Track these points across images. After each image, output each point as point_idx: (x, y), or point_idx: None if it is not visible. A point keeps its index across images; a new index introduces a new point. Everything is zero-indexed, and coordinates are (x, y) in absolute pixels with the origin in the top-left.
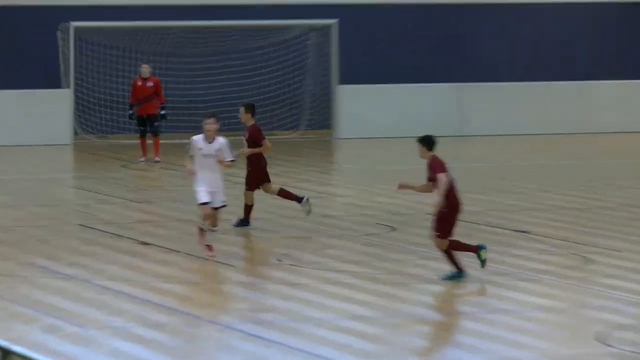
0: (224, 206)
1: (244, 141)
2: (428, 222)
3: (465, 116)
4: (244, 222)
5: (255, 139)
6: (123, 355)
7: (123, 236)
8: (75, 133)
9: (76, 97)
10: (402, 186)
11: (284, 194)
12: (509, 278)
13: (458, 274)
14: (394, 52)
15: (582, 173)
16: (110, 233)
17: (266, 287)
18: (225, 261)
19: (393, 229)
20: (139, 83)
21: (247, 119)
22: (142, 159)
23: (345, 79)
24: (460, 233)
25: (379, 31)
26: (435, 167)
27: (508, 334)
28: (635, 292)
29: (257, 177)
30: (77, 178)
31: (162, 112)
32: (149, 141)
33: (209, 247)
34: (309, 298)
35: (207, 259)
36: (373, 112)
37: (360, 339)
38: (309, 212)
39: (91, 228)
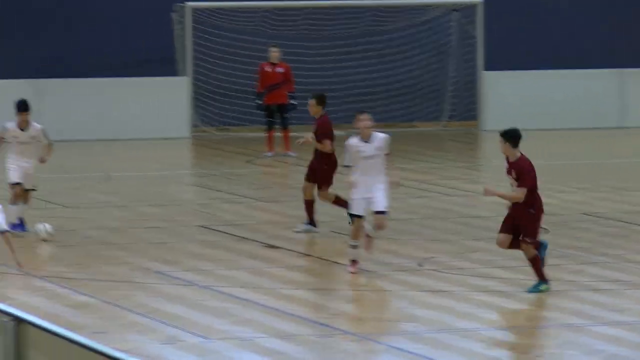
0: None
1: (312, 136)
2: (584, 223)
3: (626, 105)
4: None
5: (324, 133)
6: None
7: (248, 239)
8: (194, 125)
9: (195, 85)
10: (488, 192)
11: (339, 202)
12: None
13: (542, 284)
14: (545, 34)
15: None
16: (234, 235)
17: (406, 294)
18: (361, 267)
19: (546, 230)
20: (268, 69)
21: (317, 111)
22: (269, 153)
23: (492, 65)
24: (618, 234)
25: (530, 10)
26: (524, 167)
27: None
28: None
29: (331, 175)
30: (196, 175)
31: (293, 101)
32: (278, 134)
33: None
34: (454, 307)
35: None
36: (522, 101)
37: (512, 351)
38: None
39: (212, 230)
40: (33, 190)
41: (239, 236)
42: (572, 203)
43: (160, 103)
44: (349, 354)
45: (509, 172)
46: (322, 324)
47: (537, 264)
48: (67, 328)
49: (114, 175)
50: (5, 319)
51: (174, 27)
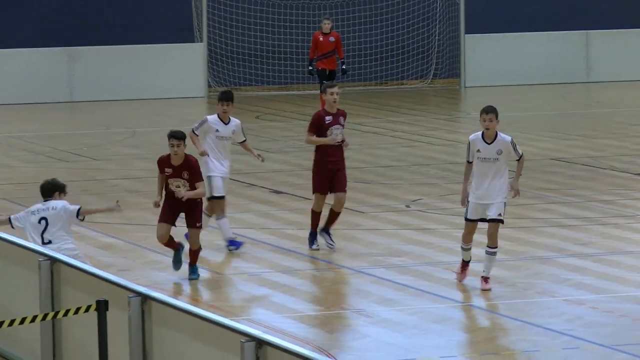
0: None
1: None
2: (554, 168)
3: (591, 63)
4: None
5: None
6: (260, 300)
7: (256, 185)
8: (209, 86)
9: (209, 50)
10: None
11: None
12: (631, 220)
13: None
14: (521, 2)
15: None
16: (243, 182)
17: (396, 232)
18: (354, 208)
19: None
20: (321, 38)
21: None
22: None
23: (472, 28)
24: (584, 177)
25: None
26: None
27: (629, 274)
28: None
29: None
30: None
31: (344, 67)
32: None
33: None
34: (439, 243)
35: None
36: (500, 60)
37: (495, 284)
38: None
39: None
40: None
41: (247, 183)
42: (544, 150)
43: (179, 67)
44: (344, 284)
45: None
46: (321, 260)
47: None
48: (96, 266)
49: (136, 131)
50: (41, 258)
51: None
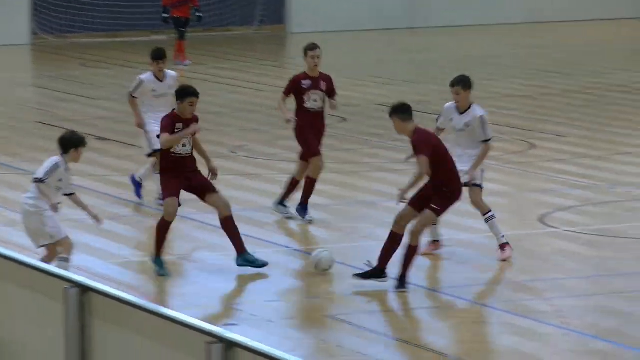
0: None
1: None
2: (379, 113)
3: (413, 8)
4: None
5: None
6: (85, 247)
7: (82, 132)
8: (34, 33)
9: None
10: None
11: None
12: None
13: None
14: None
15: (530, 62)
16: (69, 130)
17: (222, 178)
18: None
19: (344, 119)
20: None
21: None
22: (188, 62)
23: None
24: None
25: None
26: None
27: (458, 218)
28: (578, 175)
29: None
30: (35, 77)
31: (199, 14)
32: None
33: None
34: (264, 188)
35: None
36: (325, 6)
37: (314, 226)
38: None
39: (51, 125)
40: None
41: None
42: (369, 95)
43: (2, 13)
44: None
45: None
46: (146, 206)
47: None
48: None
49: None
50: None
51: None
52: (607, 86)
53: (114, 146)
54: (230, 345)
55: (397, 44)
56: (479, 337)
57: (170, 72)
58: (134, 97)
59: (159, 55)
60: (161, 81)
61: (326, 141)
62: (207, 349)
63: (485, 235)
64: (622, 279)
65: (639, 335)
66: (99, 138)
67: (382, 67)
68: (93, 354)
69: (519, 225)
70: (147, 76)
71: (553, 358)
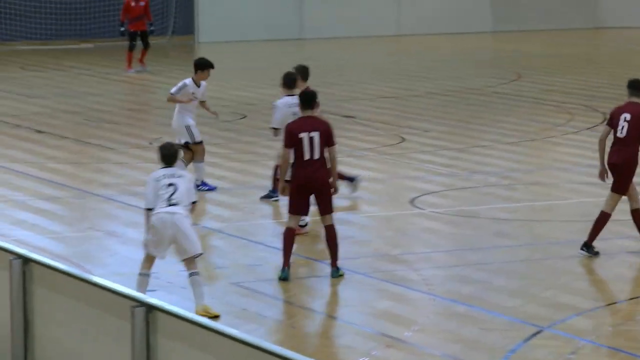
0: None
1: None
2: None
3: (303, 19)
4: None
5: None
6: (24, 223)
7: (21, 126)
8: None
9: None
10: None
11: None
12: (340, 155)
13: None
14: None
15: (399, 68)
16: (9, 123)
17: (142, 165)
18: (104, 144)
19: (244, 116)
20: (132, 4)
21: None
22: (131, 70)
23: None
24: None
25: None
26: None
27: (341, 200)
28: (442, 165)
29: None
30: None
31: (152, 28)
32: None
33: None
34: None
35: None
36: (229, 17)
37: (220, 206)
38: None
39: None
40: None
41: (13, 124)
42: (264, 95)
43: None
44: (97, 210)
45: None
46: (78, 189)
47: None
48: None
49: None
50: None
51: None
52: (465, 89)
53: (49, 137)
54: (151, 308)
55: (288, 52)
56: (359, 301)
57: (203, 83)
58: (172, 94)
59: (211, 65)
60: (198, 87)
61: (229, 134)
62: (131, 311)
63: (365, 215)
64: (478, 252)
65: (493, 300)
66: (37, 130)
67: (275, 71)
68: (35, 322)
69: (393, 207)
70: (189, 81)
71: (421, 319)
